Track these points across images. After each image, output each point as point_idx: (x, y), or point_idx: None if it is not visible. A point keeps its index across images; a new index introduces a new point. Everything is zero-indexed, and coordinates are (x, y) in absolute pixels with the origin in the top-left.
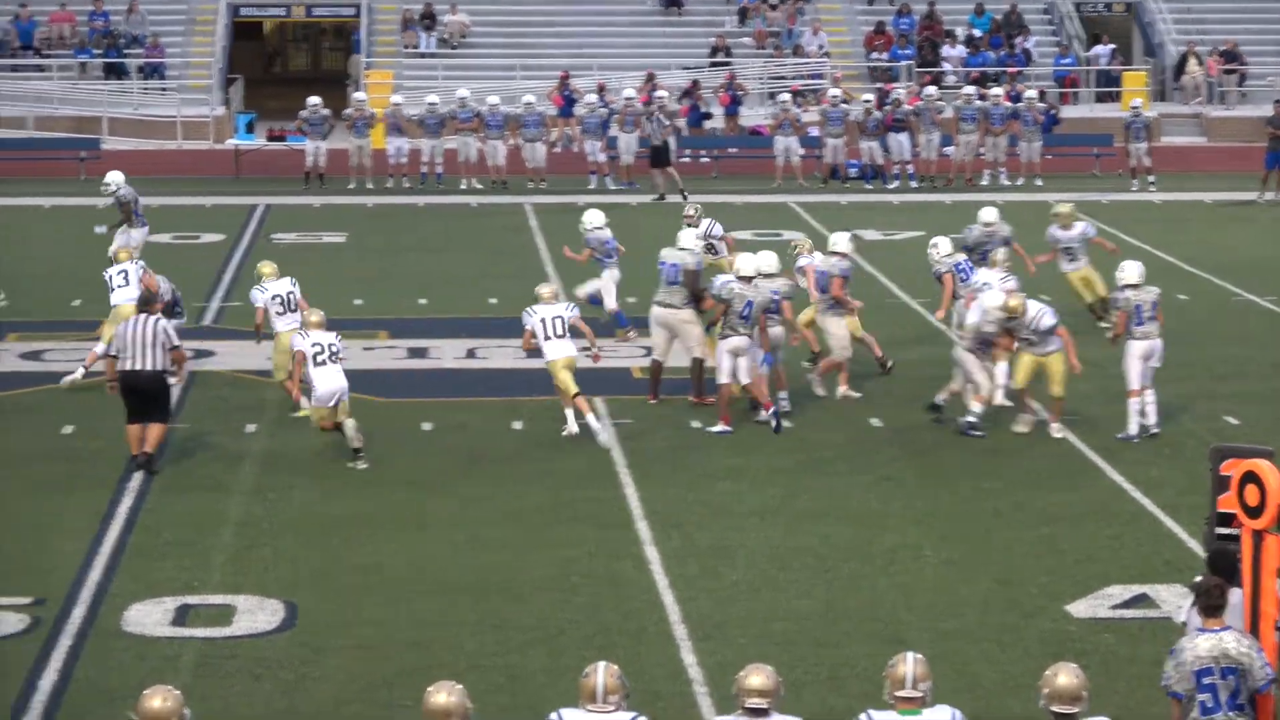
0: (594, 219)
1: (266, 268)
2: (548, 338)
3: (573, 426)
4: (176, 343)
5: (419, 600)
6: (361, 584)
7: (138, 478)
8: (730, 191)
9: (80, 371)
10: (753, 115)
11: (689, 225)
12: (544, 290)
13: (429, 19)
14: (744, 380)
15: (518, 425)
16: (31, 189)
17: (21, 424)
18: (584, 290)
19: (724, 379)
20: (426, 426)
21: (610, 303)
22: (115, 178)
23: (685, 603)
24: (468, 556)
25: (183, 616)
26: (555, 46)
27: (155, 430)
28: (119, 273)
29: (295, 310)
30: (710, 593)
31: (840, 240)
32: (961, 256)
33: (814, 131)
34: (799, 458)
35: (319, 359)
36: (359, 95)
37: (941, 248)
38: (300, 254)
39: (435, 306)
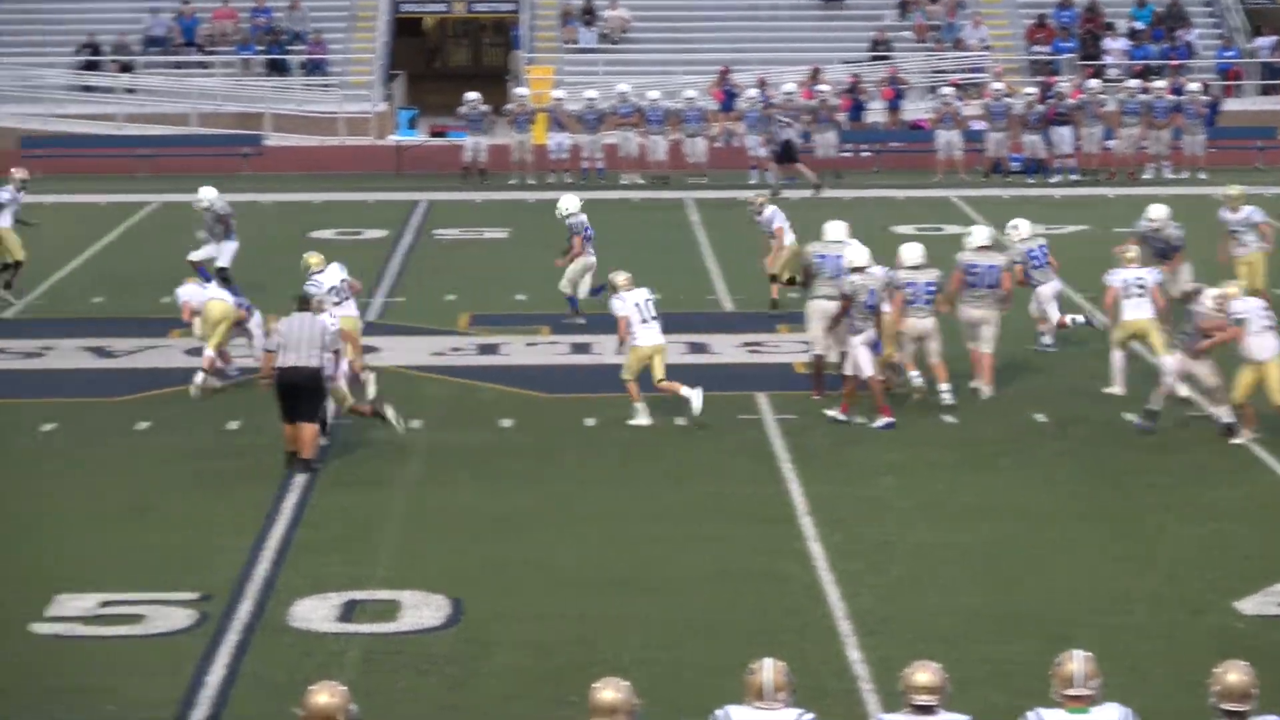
0: (570, 204)
1: (313, 258)
2: (644, 321)
3: (696, 404)
4: (339, 345)
5: (584, 595)
6: (527, 579)
7: (302, 474)
8: (891, 186)
9: (201, 376)
10: (913, 109)
11: (753, 213)
12: (620, 278)
13: (589, 14)
14: (867, 374)
15: (680, 421)
16: (196, 185)
17: (187, 420)
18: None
19: (871, 372)
20: (590, 422)
21: (583, 290)
22: (208, 193)
23: (849, 599)
24: (632, 551)
25: (349, 612)
26: (716, 41)
27: (309, 432)
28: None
29: (347, 298)
30: (874, 589)
31: (983, 234)
32: (1038, 242)
33: (976, 125)
34: (962, 453)
35: None
36: (520, 90)
37: (1021, 229)
38: (462, 249)
39: (597, 302)
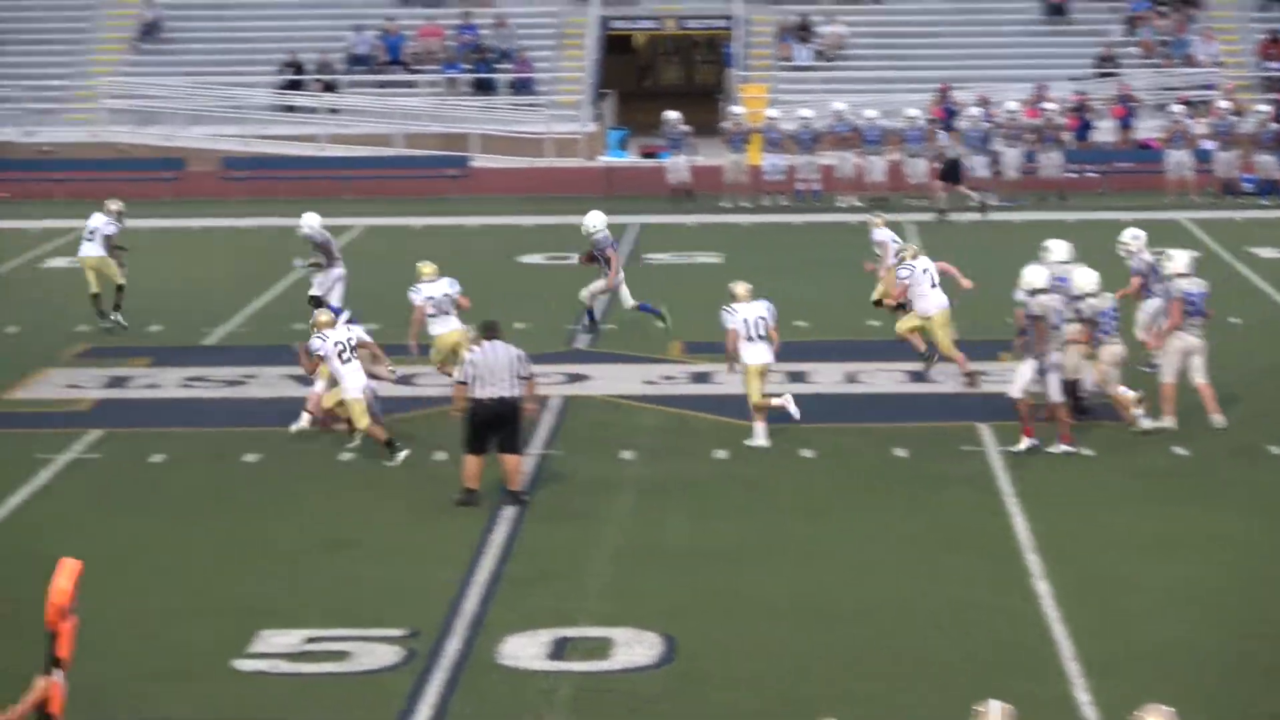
0: (595, 221)
1: (427, 268)
2: (749, 339)
3: (761, 440)
4: (531, 371)
5: (802, 630)
6: (742, 614)
7: (512, 506)
8: (1118, 208)
9: (306, 419)
10: (1143, 128)
11: (874, 229)
12: (740, 289)
13: (804, 30)
14: (1014, 395)
15: (901, 452)
16: (401, 208)
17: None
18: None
19: (1018, 395)
20: (807, 454)
21: (599, 306)
22: (310, 220)
23: (1078, 638)
24: (851, 587)
25: (559, 649)
26: (935, 58)
27: (514, 462)
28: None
29: (450, 313)
30: (1104, 627)
31: (1184, 258)
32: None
33: (1207, 144)
34: (1193, 484)
35: (343, 356)
36: (735, 109)
37: (1142, 239)
38: (674, 275)
39: (814, 329)
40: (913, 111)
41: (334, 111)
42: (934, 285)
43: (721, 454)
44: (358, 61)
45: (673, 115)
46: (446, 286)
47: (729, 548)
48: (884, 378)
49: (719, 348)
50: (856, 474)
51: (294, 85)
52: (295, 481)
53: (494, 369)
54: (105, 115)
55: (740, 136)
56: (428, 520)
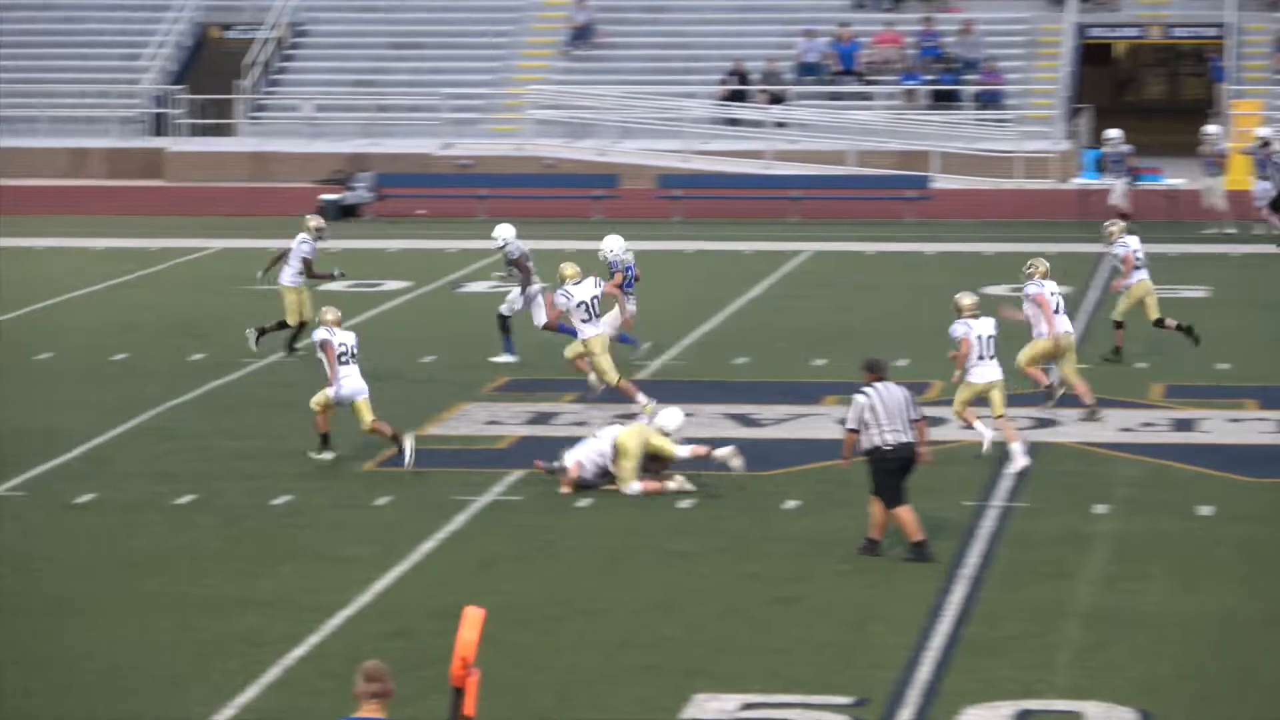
0: (616, 244)
1: (569, 270)
2: (981, 357)
3: (987, 439)
4: (922, 414)
5: None
6: (1235, 693)
7: (972, 564)
8: None
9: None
10: None
11: (1113, 240)
12: (967, 300)
13: None
14: None
15: None
16: (853, 232)
17: (839, 498)
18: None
19: None
20: None
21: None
22: (503, 232)
23: None
24: None
25: None
26: None
27: (912, 514)
28: None
29: (599, 316)
30: None
31: None
32: None
33: None
34: None
35: (343, 358)
36: (1209, 128)
37: None
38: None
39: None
40: None
41: (781, 125)
42: (1057, 311)
43: (1206, 510)
44: (808, 70)
45: (1114, 134)
46: (593, 288)
47: (1216, 615)
48: None
49: (1205, 391)
50: None
51: (737, 96)
52: (728, 531)
53: (890, 411)
54: (531, 127)
55: (1214, 159)
56: (874, 577)
